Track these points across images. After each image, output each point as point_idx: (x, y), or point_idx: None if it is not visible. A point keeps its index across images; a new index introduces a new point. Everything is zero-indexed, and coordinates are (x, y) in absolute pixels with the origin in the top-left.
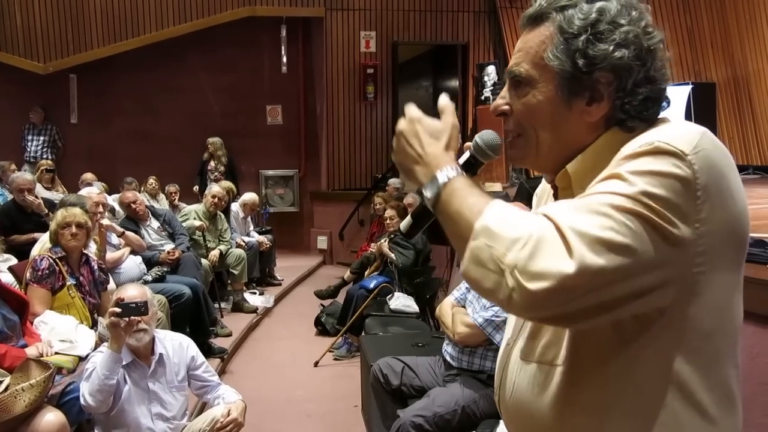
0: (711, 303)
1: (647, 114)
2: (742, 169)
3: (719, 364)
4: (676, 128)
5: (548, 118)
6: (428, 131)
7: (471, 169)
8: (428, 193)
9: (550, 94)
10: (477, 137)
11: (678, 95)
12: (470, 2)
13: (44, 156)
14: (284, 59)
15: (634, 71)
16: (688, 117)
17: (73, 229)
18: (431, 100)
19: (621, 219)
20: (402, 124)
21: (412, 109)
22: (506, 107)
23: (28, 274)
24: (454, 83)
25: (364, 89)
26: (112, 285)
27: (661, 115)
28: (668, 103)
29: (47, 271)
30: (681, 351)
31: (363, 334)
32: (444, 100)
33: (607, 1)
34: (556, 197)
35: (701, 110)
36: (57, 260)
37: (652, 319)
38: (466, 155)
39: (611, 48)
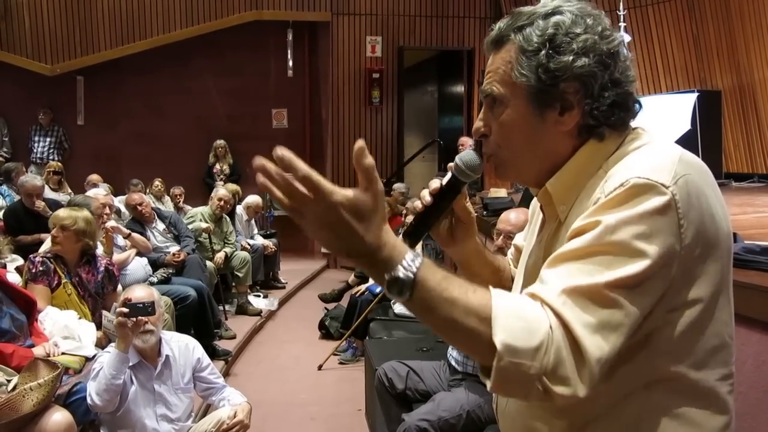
0: (693, 320)
1: (614, 120)
2: (747, 177)
3: (704, 374)
4: (653, 157)
5: (524, 132)
6: (355, 215)
7: (455, 188)
8: (395, 296)
9: (522, 109)
10: (457, 158)
11: (684, 103)
12: (476, 8)
13: (51, 157)
14: (290, 63)
15: (598, 76)
16: (693, 124)
17: (53, 231)
18: (436, 105)
19: (614, 297)
20: (326, 206)
21: (340, 193)
22: (485, 129)
23: (26, 274)
24: (459, 89)
25: (370, 94)
26: (118, 287)
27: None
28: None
29: (41, 268)
30: (663, 363)
31: (367, 338)
32: (365, 160)
33: (561, 15)
34: (543, 212)
35: (707, 118)
36: (51, 259)
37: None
38: (448, 176)
39: (571, 58)
